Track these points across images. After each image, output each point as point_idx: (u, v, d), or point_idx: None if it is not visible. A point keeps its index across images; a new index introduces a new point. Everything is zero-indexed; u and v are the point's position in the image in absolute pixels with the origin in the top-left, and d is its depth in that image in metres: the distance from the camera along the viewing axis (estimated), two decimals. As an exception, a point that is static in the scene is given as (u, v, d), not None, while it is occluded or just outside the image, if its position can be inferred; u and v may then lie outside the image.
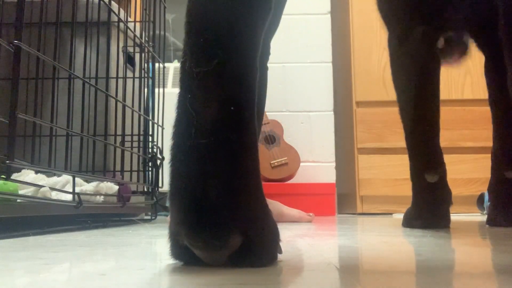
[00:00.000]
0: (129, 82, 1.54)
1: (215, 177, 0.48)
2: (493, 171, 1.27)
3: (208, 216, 0.48)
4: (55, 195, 1.06)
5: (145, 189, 1.62)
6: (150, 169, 1.60)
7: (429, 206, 1.17)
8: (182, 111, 0.51)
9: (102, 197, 1.24)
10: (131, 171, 1.52)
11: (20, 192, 1.00)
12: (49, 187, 1.03)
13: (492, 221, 1.23)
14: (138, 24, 1.64)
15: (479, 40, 1.29)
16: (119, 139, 1.44)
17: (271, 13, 0.55)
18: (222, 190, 0.48)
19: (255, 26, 0.52)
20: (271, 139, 2.38)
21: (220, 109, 0.49)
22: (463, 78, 2.35)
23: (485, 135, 2.27)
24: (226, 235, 0.47)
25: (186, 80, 0.51)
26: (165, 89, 1.73)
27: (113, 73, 1.39)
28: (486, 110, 2.36)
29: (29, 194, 1.02)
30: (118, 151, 1.39)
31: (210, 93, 0.49)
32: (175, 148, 0.51)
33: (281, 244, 0.55)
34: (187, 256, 0.51)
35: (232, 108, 0.50)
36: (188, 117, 0.50)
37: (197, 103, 0.50)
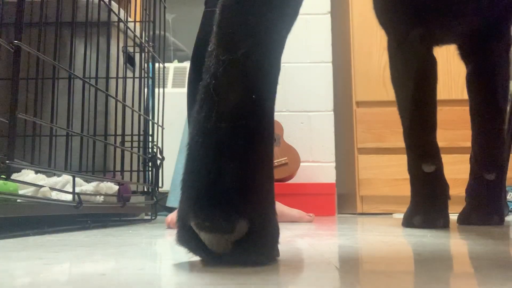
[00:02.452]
0: (129, 82, 1.54)
1: (231, 161, 0.50)
2: (472, 173, 1.34)
3: (219, 198, 0.49)
4: (55, 195, 1.06)
5: (145, 189, 1.62)
6: (150, 169, 1.60)
7: (427, 198, 1.19)
8: (205, 95, 0.52)
9: (102, 197, 1.24)
10: (131, 171, 1.52)
11: (20, 192, 1.00)
12: (49, 187, 1.03)
13: (466, 220, 1.28)
14: (138, 24, 1.64)
15: (464, 50, 1.34)
16: (119, 139, 1.44)
17: (296, 19, 0.59)
18: (237, 175, 0.49)
19: (281, 28, 0.56)
20: (271, 139, 2.38)
21: (242, 96, 0.51)
22: (463, 78, 2.34)
23: (485, 135, 2.27)
24: (235, 219, 0.48)
25: (212, 67, 0.53)
26: (165, 89, 1.73)
27: (113, 73, 1.39)
28: (486, 110, 2.35)
29: (29, 194, 1.02)
30: (118, 151, 1.39)
31: (234, 79, 0.52)
32: (194, 131, 0.52)
33: (280, 244, 0.55)
34: (192, 241, 0.51)
35: (253, 96, 0.52)
36: (211, 101, 0.52)
37: (220, 88, 0.52)
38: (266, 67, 0.54)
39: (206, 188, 0.49)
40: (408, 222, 1.21)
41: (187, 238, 0.51)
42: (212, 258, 0.50)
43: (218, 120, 0.51)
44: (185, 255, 0.54)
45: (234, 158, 0.50)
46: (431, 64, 1.25)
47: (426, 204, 1.19)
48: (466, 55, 1.33)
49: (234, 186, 0.49)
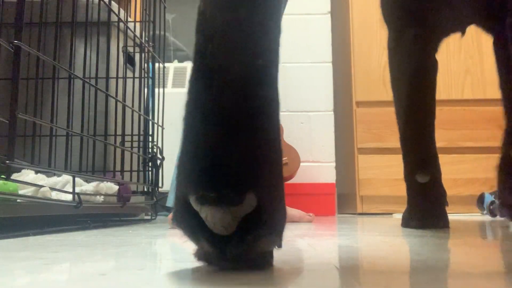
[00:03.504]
0: (129, 82, 1.54)
1: (239, 135, 0.44)
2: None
3: (226, 169, 0.43)
4: (55, 195, 1.06)
5: (145, 189, 1.62)
6: (150, 169, 1.60)
7: (421, 206, 1.18)
8: (201, 63, 0.46)
9: (102, 197, 1.24)
10: (131, 171, 1.52)
11: (20, 192, 1.00)
12: (49, 187, 1.03)
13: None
14: (138, 24, 1.64)
15: (486, 27, 1.25)
16: (119, 139, 1.44)
17: None
18: (245, 149, 0.44)
19: None
20: (271, 139, 2.38)
21: (247, 62, 0.45)
22: (463, 78, 2.35)
23: (485, 135, 2.27)
24: (245, 190, 0.42)
25: (207, 29, 0.46)
26: (165, 89, 1.73)
27: (113, 73, 1.39)
28: (486, 110, 2.37)
29: (29, 194, 1.02)
30: (118, 151, 1.39)
31: (236, 43, 0.45)
32: (192, 104, 0.46)
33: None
34: (192, 223, 0.44)
35: (260, 61, 0.46)
36: (210, 68, 0.45)
37: (220, 54, 0.45)
38: (271, 28, 0.47)
39: (209, 159, 0.43)
40: (406, 224, 1.21)
41: (185, 219, 0.45)
42: (212, 244, 0.44)
43: (221, 91, 0.44)
44: (185, 256, 0.54)
45: (241, 128, 0.44)
46: (430, 64, 1.22)
47: (421, 210, 1.17)
48: (488, 29, 1.24)
49: (241, 157, 0.43)
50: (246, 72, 0.45)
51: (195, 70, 0.46)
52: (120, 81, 1.47)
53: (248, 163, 0.44)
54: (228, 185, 0.42)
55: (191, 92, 0.46)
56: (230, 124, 0.44)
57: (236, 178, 0.43)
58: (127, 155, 1.46)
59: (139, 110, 1.52)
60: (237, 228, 0.42)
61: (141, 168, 1.59)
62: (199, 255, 0.47)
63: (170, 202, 2.01)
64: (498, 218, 1.70)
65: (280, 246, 0.49)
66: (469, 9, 1.18)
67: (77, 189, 1.08)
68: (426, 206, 1.17)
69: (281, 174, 0.48)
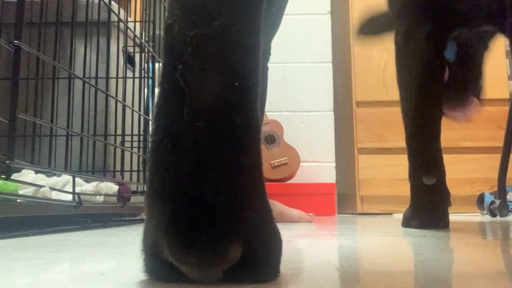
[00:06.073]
0: (129, 82, 1.54)
1: (214, 169, 0.38)
2: None
3: (203, 221, 0.37)
4: (55, 195, 1.06)
5: (145, 189, 1.62)
6: (150, 169, 1.60)
7: (425, 207, 1.17)
8: (169, 86, 0.40)
9: (102, 197, 1.24)
10: (131, 171, 1.52)
11: (20, 192, 1.00)
12: (49, 187, 1.03)
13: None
14: (138, 24, 1.64)
15: (502, 26, 1.20)
16: (119, 139, 1.44)
17: None
18: (223, 186, 0.38)
19: None
20: (271, 139, 2.38)
21: (222, 84, 0.39)
22: (463, 78, 2.35)
23: (485, 135, 2.27)
24: (226, 246, 0.37)
25: (176, 47, 0.40)
26: (165, 89, 1.73)
27: (113, 73, 1.39)
28: (486, 110, 2.36)
29: (29, 194, 1.02)
30: (118, 151, 1.39)
31: (209, 62, 0.39)
32: (159, 134, 0.40)
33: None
34: (168, 272, 0.39)
35: (236, 83, 0.40)
36: (179, 93, 0.39)
37: (191, 76, 0.39)
38: (249, 44, 0.41)
39: (183, 209, 0.38)
40: (407, 223, 1.21)
41: (161, 269, 0.40)
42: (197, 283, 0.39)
43: (193, 118, 0.39)
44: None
45: (217, 164, 0.38)
46: (438, 63, 1.18)
47: (425, 211, 1.17)
48: (505, 30, 1.19)
49: (220, 202, 0.38)
50: (221, 97, 0.39)
51: (162, 94, 0.41)
52: (120, 81, 1.47)
53: (228, 209, 0.38)
54: (208, 245, 0.37)
55: (159, 120, 0.41)
56: (202, 161, 0.38)
57: (216, 234, 0.37)
58: (127, 155, 1.46)
59: (139, 110, 1.52)
60: (224, 275, 0.38)
61: (141, 168, 1.59)
62: None
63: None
64: (498, 218, 1.70)
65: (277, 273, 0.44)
66: (484, 5, 1.14)
67: (77, 189, 1.08)
68: (429, 206, 1.17)
69: (267, 209, 0.42)
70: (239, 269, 0.39)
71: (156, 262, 0.40)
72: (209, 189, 0.38)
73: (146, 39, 1.61)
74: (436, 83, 1.19)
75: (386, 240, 0.86)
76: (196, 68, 0.39)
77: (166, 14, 0.43)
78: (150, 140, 0.42)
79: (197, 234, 0.37)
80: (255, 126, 0.41)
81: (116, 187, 1.32)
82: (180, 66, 0.40)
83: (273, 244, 0.41)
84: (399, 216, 1.88)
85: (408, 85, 1.21)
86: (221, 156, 0.39)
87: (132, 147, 1.53)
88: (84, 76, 1.21)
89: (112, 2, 1.38)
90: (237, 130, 0.39)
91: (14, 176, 0.98)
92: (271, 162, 2.33)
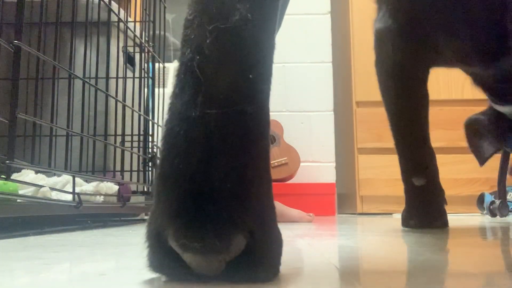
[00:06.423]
0: (129, 82, 1.54)
1: (223, 156, 0.39)
2: None
3: (209, 207, 0.38)
4: (55, 195, 1.06)
5: (145, 189, 1.62)
6: (150, 169, 1.60)
7: (419, 207, 1.17)
8: (186, 75, 0.42)
9: (102, 197, 1.24)
10: (131, 171, 1.52)
11: (20, 192, 1.00)
12: (49, 187, 1.03)
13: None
14: (138, 24, 1.64)
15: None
16: (119, 139, 1.44)
17: None
18: (231, 174, 0.39)
19: None
20: (271, 139, 2.38)
21: (237, 75, 0.41)
22: (463, 78, 2.34)
23: (485, 135, 2.27)
24: (232, 234, 0.38)
25: (195, 40, 0.42)
26: (165, 89, 1.73)
27: (113, 73, 1.39)
28: (486, 110, 2.34)
29: (29, 194, 1.02)
30: (118, 151, 1.39)
31: (225, 54, 0.41)
32: (173, 121, 0.42)
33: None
34: (172, 265, 0.40)
35: (250, 76, 0.42)
36: (195, 82, 0.41)
37: (208, 66, 0.41)
38: (264, 40, 0.43)
39: (191, 194, 0.39)
40: (405, 223, 1.21)
41: (164, 262, 0.40)
42: (201, 280, 0.40)
43: (206, 106, 0.40)
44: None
45: (227, 152, 0.40)
46: (421, 64, 1.15)
47: (419, 211, 1.17)
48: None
49: (227, 190, 0.39)
50: (235, 87, 0.41)
51: (178, 83, 0.43)
52: (120, 81, 1.47)
53: (235, 198, 0.39)
54: (213, 231, 0.38)
55: (173, 108, 0.43)
56: (213, 148, 0.40)
57: (222, 221, 0.38)
58: (127, 155, 1.46)
59: (139, 110, 1.52)
60: (227, 267, 0.39)
61: (141, 168, 1.59)
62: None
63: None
64: (498, 218, 1.70)
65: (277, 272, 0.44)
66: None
67: (77, 189, 1.08)
68: (423, 206, 1.17)
69: (271, 203, 0.43)
70: (241, 262, 0.39)
71: (160, 253, 0.40)
72: (217, 176, 0.39)
73: (146, 39, 1.61)
74: (417, 87, 1.17)
75: (386, 240, 0.86)
76: (213, 59, 0.41)
77: (187, 10, 0.45)
78: (164, 128, 0.43)
79: (203, 220, 0.38)
80: (265, 120, 0.43)
81: (116, 187, 1.32)
82: (198, 57, 0.42)
83: (275, 239, 0.42)
84: (399, 216, 1.88)
85: (389, 91, 1.21)
86: (231, 144, 0.40)
87: (132, 147, 1.53)
88: (84, 76, 1.21)
89: (112, 2, 1.38)
90: (248, 119, 0.41)
91: (14, 176, 0.98)
92: (271, 162, 2.33)
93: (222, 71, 0.41)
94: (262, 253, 0.40)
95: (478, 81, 1.15)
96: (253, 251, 0.39)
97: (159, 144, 1.63)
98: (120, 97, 1.40)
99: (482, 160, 1.26)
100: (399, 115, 1.19)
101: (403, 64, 1.15)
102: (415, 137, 1.18)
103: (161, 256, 0.40)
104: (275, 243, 0.42)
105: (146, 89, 1.63)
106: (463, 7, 0.97)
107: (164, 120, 0.44)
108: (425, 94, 1.18)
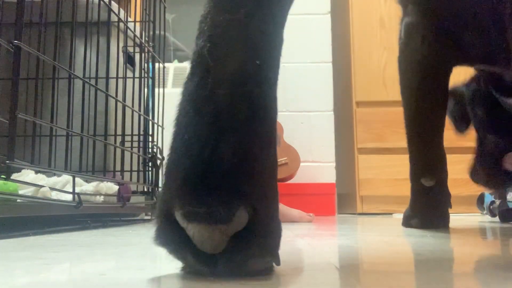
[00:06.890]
0: (129, 82, 1.54)
1: (231, 134, 0.42)
2: None
3: (216, 180, 0.40)
4: (55, 195, 1.06)
5: (145, 189, 1.62)
6: (150, 169, 1.60)
7: (424, 208, 1.17)
8: (197, 61, 0.45)
9: (102, 197, 1.24)
10: (131, 171, 1.52)
11: (20, 192, 1.00)
12: (49, 187, 1.03)
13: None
14: (138, 24, 1.64)
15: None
16: (119, 139, 1.44)
17: None
18: (238, 150, 0.41)
19: None
20: (271, 139, 2.38)
21: (244, 60, 0.44)
22: (463, 78, 2.35)
23: (485, 135, 2.27)
24: (236, 205, 0.40)
25: (207, 30, 0.46)
26: (165, 89, 1.73)
27: (113, 73, 1.39)
28: (487, 110, 2.34)
29: (29, 194, 1.02)
30: (118, 151, 1.39)
31: (234, 42, 0.44)
32: (184, 101, 0.45)
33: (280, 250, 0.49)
34: (177, 240, 0.41)
35: (257, 62, 0.44)
36: (205, 66, 0.44)
37: (217, 52, 0.44)
38: (271, 31, 0.46)
39: (198, 167, 0.41)
40: (406, 223, 1.21)
41: (169, 235, 0.42)
42: (200, 261, 0.41)
43: (216, 86, 0.43)
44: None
45: (234, 130, 0.42)
46: (444, 61, 1.13)
47: (424, 211, 1.16)
48: None
49: (234, 164, 0.41)
50: (242, 70, 0.44)
51: (191, 70, 0.46)
52: (120, 81, 1.47)
53: (241, 172, 0.41)
54: (217, 200, 0.39)
55: (185, 91, 0.45)
56: (221, 126, 0.42)
57: (227, 192, 0.40)
58: (127, 155, 1.46)
59: (139, 110, 1.52)
60: (228, 246, 0.40)
61: (141, 168, 1.59)
62: (187, 271, 0.45)
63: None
64: (498, 218, 1.70)
65: (278, 263, 0.44)
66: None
67: (77, 189, 1.08)
68: (428, 206, 1.17)
69: (275, 185, 0.45)
70: (243, 238, 0.40)
71: (166, 226, 0.42)
72: (224, 151, 0.41)
73: (146, 39, 1.61)
74: (439, 86, 1.15)
75: (386, 240, 0.86)
76: (222, 46, 0.44)
77: (204, 8, 0.48)
78: (176, 109, 0.46)
79: (209, 189, 0.40)
80: (271, 104, 0.46)
81: (116, 187, 1.32)
82: (209, 45, 0.45)
83: (275, 219, 0.44)
84: (399, 216, 1.88)
85: (410, 86, 1.18)
86: (238, 121, 0.42)
87: (132, 147, 1.53)
88: (84, 76, 1.21)
89: (112, 2, 1.38)
90: (255, 100, 0.44)
91: (14, 176, 0.98)
92: (271, 162, 2.33)
93: (230, 56, 0.44)
94: (264, 230, 0.42)
95: (489, 78, 1.15)
96: (252, 232, 0.41)
97: (163, 142, 1.63)
98: (120, 97, 1.40)
99: (458, 131, 1.32)
100: (419, 111, 1.16)
101: (431, 59, 1.13)
102: (431, 137, 1.17)
103: (167, 229, 0.42)
104: (274, 230, 0.43)
105: (146, 89, 1.63)
106: (491, 6, 0.98)
107: (177, 104, 0.46)
108: (446, 94, 1.17)
